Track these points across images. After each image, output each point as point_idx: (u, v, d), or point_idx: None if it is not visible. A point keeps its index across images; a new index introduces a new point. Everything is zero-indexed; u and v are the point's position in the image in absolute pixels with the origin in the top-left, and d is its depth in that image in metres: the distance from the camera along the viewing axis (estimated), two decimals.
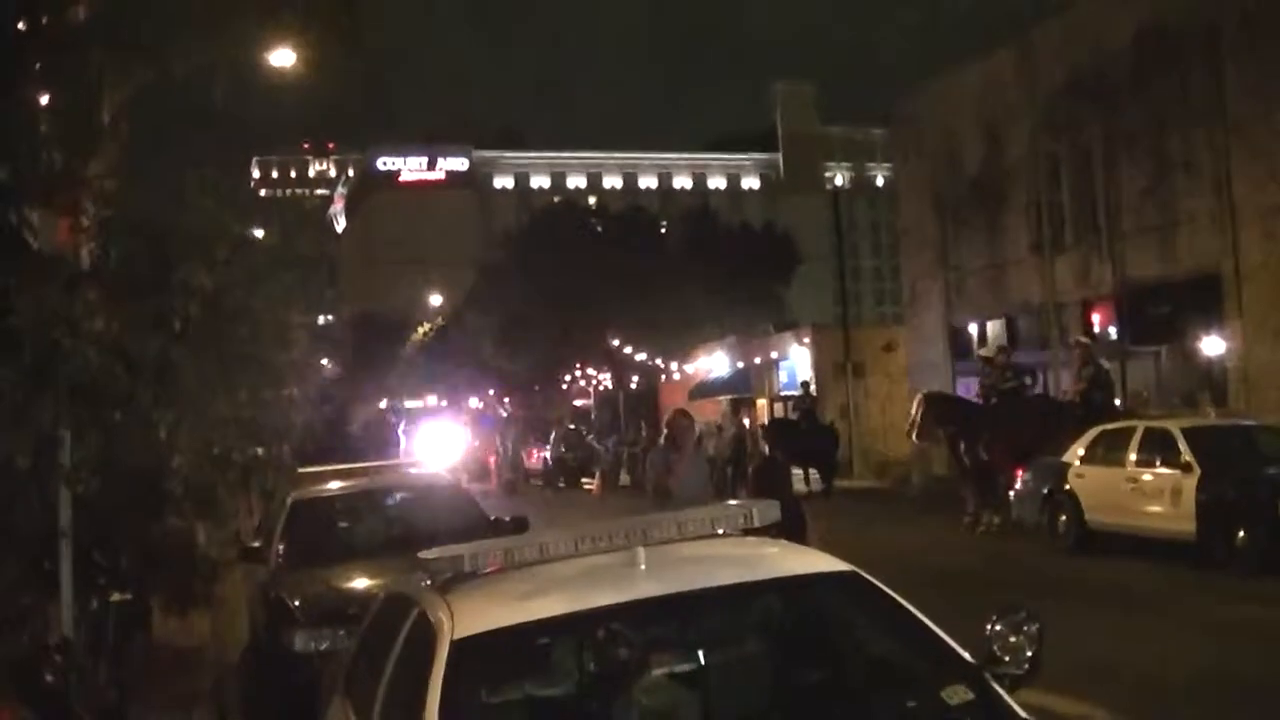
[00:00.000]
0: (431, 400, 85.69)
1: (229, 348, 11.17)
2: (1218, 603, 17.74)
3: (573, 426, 71.30)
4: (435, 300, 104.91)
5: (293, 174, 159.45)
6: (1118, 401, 31.70)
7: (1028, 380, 32.13)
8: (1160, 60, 34.60)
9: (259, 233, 12.61)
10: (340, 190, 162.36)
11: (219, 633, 16.82)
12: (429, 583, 6.67)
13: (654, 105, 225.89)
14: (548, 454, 64.34)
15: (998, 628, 6.00)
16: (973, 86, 43.66)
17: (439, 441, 62.31)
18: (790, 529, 9.66)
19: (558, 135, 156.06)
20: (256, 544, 16.03)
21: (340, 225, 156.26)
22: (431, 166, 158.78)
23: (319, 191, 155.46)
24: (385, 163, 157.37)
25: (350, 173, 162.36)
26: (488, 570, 6.43)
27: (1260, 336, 32.40)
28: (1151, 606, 17.95)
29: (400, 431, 63.80)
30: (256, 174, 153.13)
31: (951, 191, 45.04)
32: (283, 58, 14.33)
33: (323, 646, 12.15)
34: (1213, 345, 34.24)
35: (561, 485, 59.04)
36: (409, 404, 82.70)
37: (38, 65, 10.62)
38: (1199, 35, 33.46)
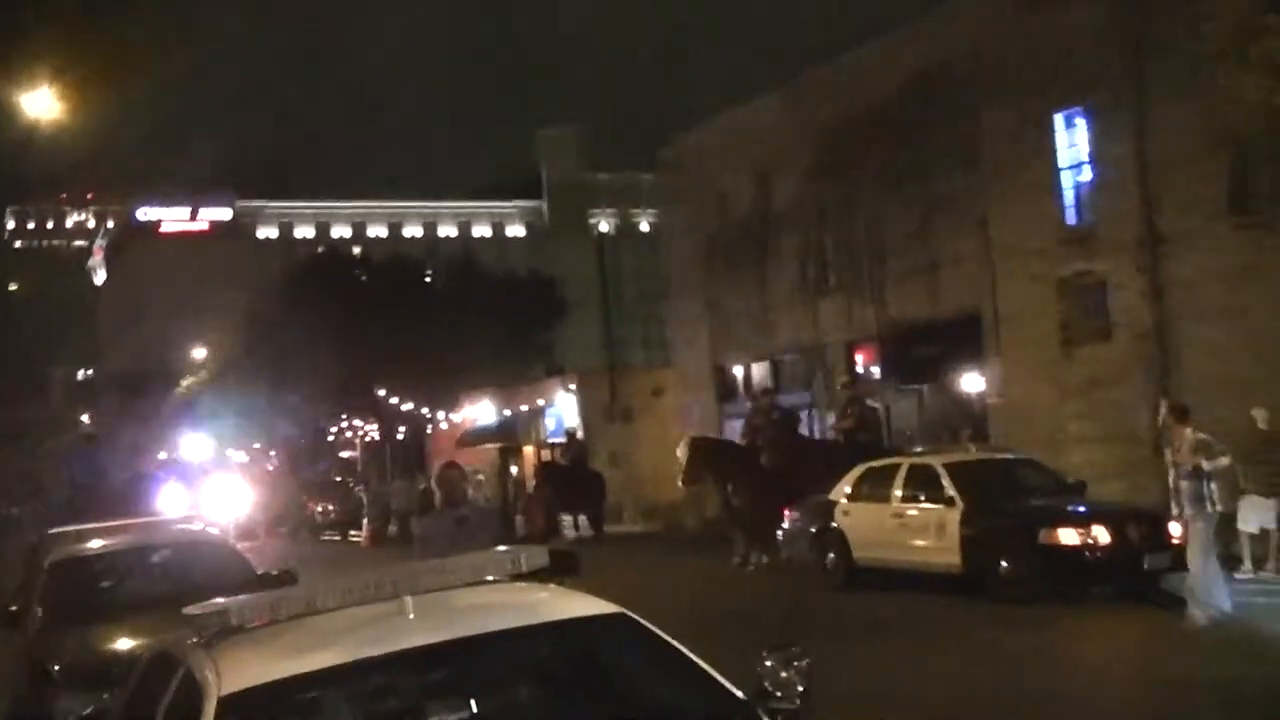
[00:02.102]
0: (212, 453, 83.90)
1: None
2: (987, 630, 18.07)
3: (340, 479, 70.60)
4: (199, 353, 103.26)
5: (50, 225, 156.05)
6: (886, 440, 32.26)
7: (795, 417, 32.53)
8: (923, 106, 35.33)
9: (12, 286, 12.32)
10: (100, 241, 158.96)
11: None
12: (194, 639, 6.51)
13: (419, 154, 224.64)
14: (321, 507, 63.71)
15: (768, 664, 6.03)
16: (740, 131, 44.12)
17: (221, 496, 61.12)
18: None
19: (323, 184, 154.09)
20: (14, 608, 15.58)
21: (100, 277, 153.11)
22: (194, 216, 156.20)
23: (78, 243, 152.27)
24: (146, 213, 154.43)
25: (110, 224, 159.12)
26: (255, 625, 6.31)
27: (1018, 375, 33.17)
28: (921, 638, 18.21)
29: (172, 485, 62.32)
30: (11, 224, 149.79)
31: (718, 235, 45.46)
32: (41, 104, 14.02)
33: (86, 711, 11.80)
34: (974, 383, 34.96)
35: (335, 538, 58.48)
36: (189, 457, 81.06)
37: None
38: (961, 84, 34.24)
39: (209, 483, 61.18)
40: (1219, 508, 18.50)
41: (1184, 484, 18.32)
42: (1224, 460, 18.81)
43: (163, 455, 75.89)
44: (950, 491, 22.06)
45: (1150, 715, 12.45)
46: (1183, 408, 19.11)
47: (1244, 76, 21.43)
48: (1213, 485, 18.32)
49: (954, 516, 21.75)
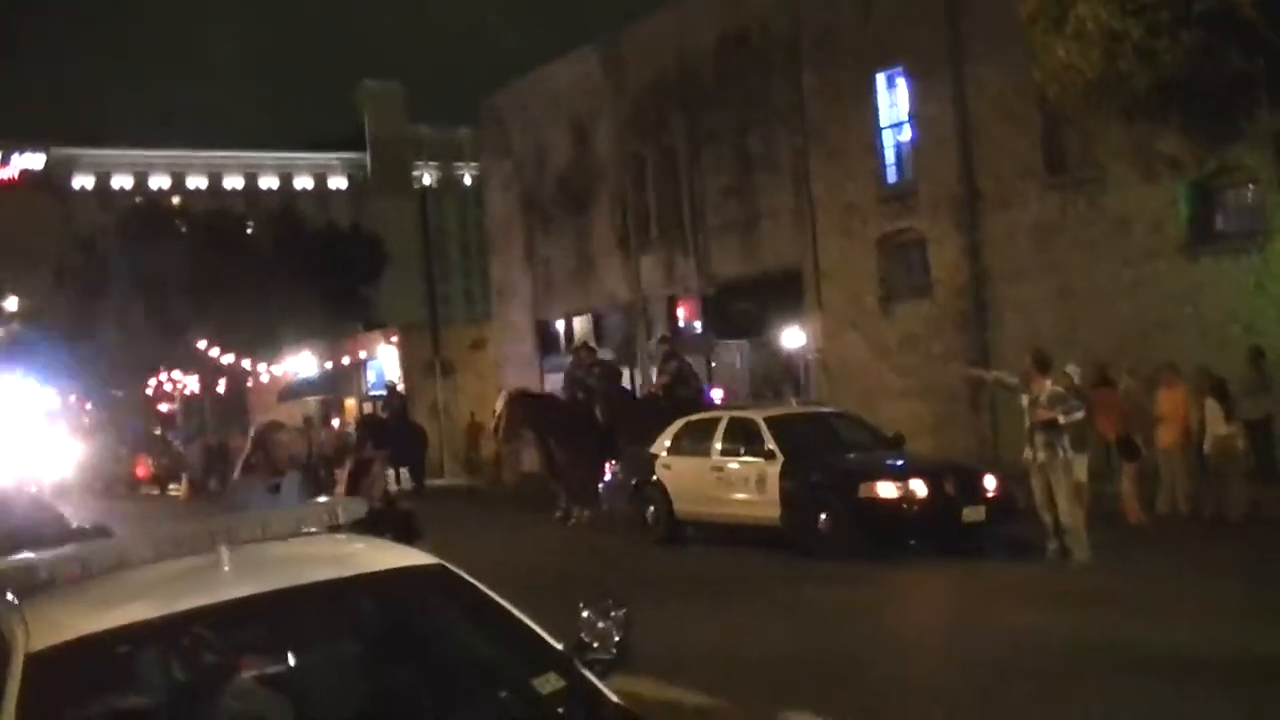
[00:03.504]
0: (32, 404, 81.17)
1: None
2: (804, 586, 18.23)
3: (158, 432, 69.65)
4: (10, 303, 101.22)
5: None
6: (717, 395, 32.45)
7: (616, 371, 32.58)
8: (742, 65, 35.58)
9: None
10: None
11: None
12: (2, 595, 6.37)
13: (241, 105, 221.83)
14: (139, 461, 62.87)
15: (585, 615, 6.04)
16: (560, 86, 44.11)
17: (41, 450, 59.57)
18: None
19: (142, 134, 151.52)
20: None
21: None
22: (4, 163, 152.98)
23: None
24: None
25: None
26: (66, 580, 6.18)
27: (839, 330, 33.55)
28: (740, 593, 18.35)
29: None
30: None
31: (538, 190, 45.44)
32: None
33: None
34: (795, 338, 35.24)
35: (154, 492, 57.73)
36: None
37: None
38: (780, 43, 34.51)
39: (40, 434, 59.93)
40: (1070, 455, 18.81)
41: (1038, 435, 18.63)
42: (1078, 414, 19.11)
43: None
44: (770, 445, 22.18)
45: (967, 666, 12.64)
46: (1044, 359, 19.34)
47: (1055, 41, 21.76)
48: (1065, 436, 18.68)
49: (774, 470, 21.88)
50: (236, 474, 10.80)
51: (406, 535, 11.35)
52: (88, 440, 66.52)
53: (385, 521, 11.43)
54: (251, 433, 11.51)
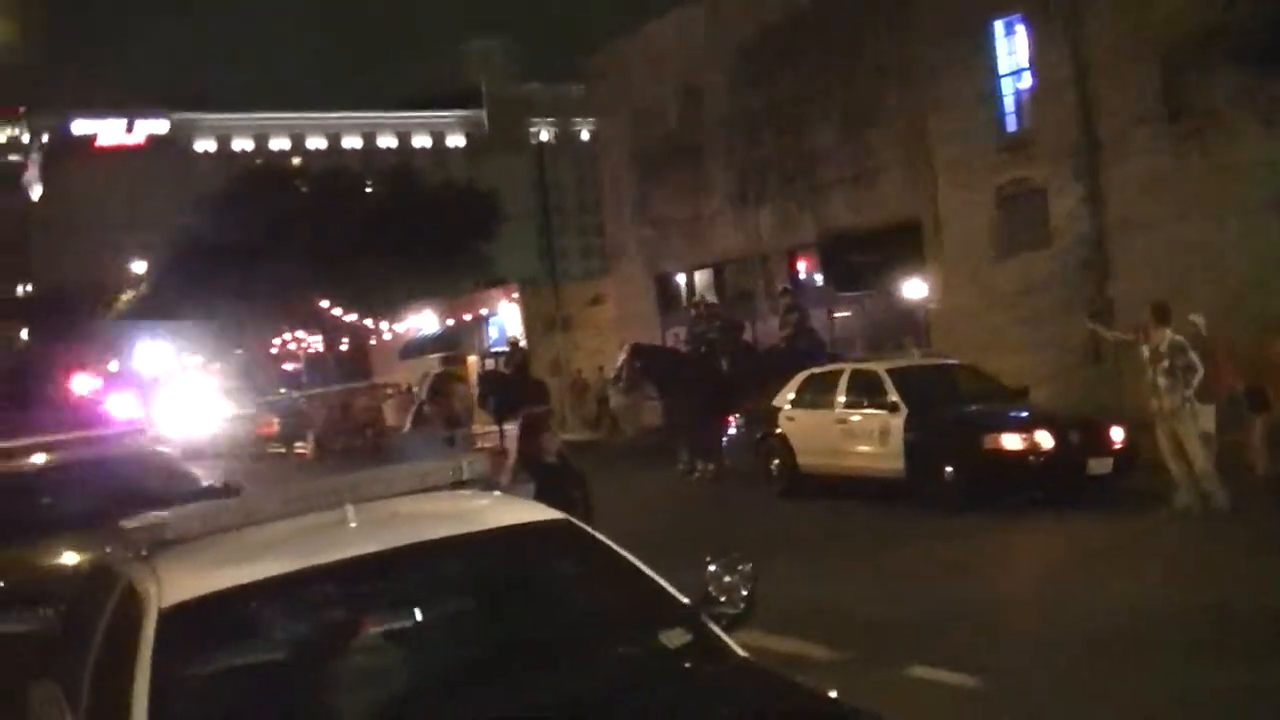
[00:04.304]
0: (168, 365, 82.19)
1: None
2: (928, 539, 18.13)
3: (283, 391, 70.41)
4: (139, 267, 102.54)
5: None
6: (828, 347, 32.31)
7: (737, 325, 32.54)
8: (853, 14, 35.26)
9: None
10: (34, 156, 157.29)
11: None
12: (134, 553, 6.45)
13: (357, 65, 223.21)
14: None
15: (712, 569, 6.03)
16: (668, 41, 43.94)
17: (179, 409, 60.31)
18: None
19: (260, 96, 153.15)
20: None
21: (35, 192, 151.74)
22: (130, 129, 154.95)
23: (12, 158, 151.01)
24: (82, 126, 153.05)
25: (45, 138, 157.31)
26: (196, 537, 6.26)
27: (958, 281, 33.25)
28: (863, 546, 18.29)
29: (123, 398, 60.98)
30: None
31: (651, 145, 45.33)
32: None
33: (23, 628, 11.71)
34: (915, 289, 34.99)
35: (280, 451, 58.35)
36: (142, 369, 79.61)
37: None
38: None
39: (166, 395, 60.68)
40: (1196, 404, 18.56)
41: (1162, 381, 18.41)
42: (1196, 366, 18.81)
43: (113, 367, 75.21)
44: (893, 397, 22.07)
45: (1091, 624, 12.50)
46: (1163, 310, 19.08)
47: None
48: (1190, 386, 18.43)
49: (897, 422, 21.78)
50: (408, 425, 10.58)
51: (584, 491, 11.24)
52: (214, 400, 67.24)
53: (566, 478, 11.22)
54: (427, 383, 11.12)
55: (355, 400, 57.82)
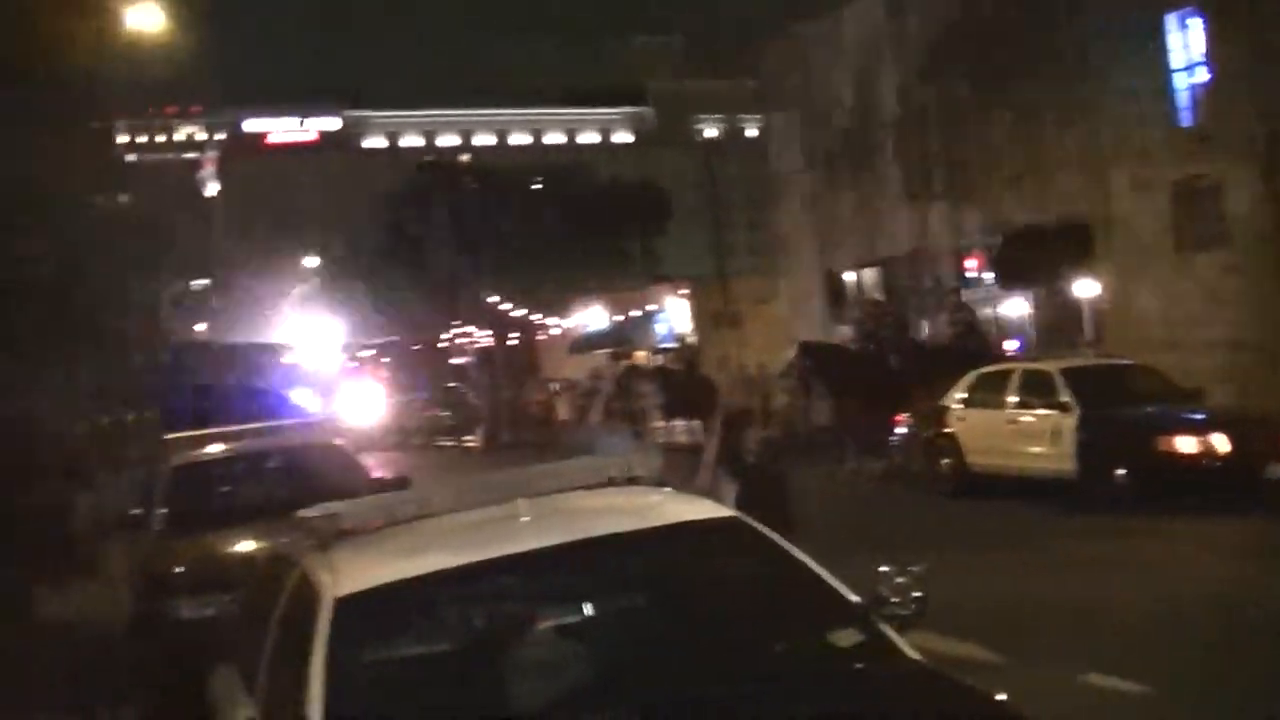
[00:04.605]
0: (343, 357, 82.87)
1: (71, 315, 10.91)
2: (1100, 541, 17.87)
3: (452, 385, 71.00)
4: (311, 262, 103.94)
5: (160, 138, 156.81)
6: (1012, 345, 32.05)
7: (905, 322, 32.41)
8: (1028, 8, 34.88)
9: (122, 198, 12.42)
10: (209, 153, 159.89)
11: (103, 604, 16.53)
12: (310, 543, 6.56)
13: (525, 63, 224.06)
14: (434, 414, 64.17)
15: (884, 569, 6.01)
16: (843, 35, 43.81)
17: (357, 400, 60.96)
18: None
19: (429, 93, 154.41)
20: (137, 511, 15.71)
21: (210, 189, 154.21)
22: (302, 126, 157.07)
23: (187, 155, 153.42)
24: (254, 124, 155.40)
25: (219, 135, 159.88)
26: (370, 528, 6.35)
27: (1131, 279, 32.78)
28: (1033, 547, 18.08)
29: (301, 390, 61.22)
30: (124, 138, 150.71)
31: (822, 141, 45.23)
32: (146, 17, 14.03)
33: (206, 613, 11.94)
34: (1086, 288, 34.58)
35: (449, 444, 58.79)
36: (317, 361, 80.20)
37: None
38: None
39: (344, 386, 61.33)
40: None
41: None
42: None
43: (290, 359, 76.01)
44: (1065, 397, 21.82)
45: (1267, 628, 12.25)
46: None
47: None
48: None
49: (1069, 422, 21.53)
50: (596, 417, 10.35)
51: (784, 495, 10.91)
52: (386, 393, 67.92)
53: (767, 479, 10.74)
54: (613, 378, 10.70)
55: (527, 394, 58.22)
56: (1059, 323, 36.22)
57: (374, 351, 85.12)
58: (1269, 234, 29.46)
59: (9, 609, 12.78)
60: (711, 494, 9.77)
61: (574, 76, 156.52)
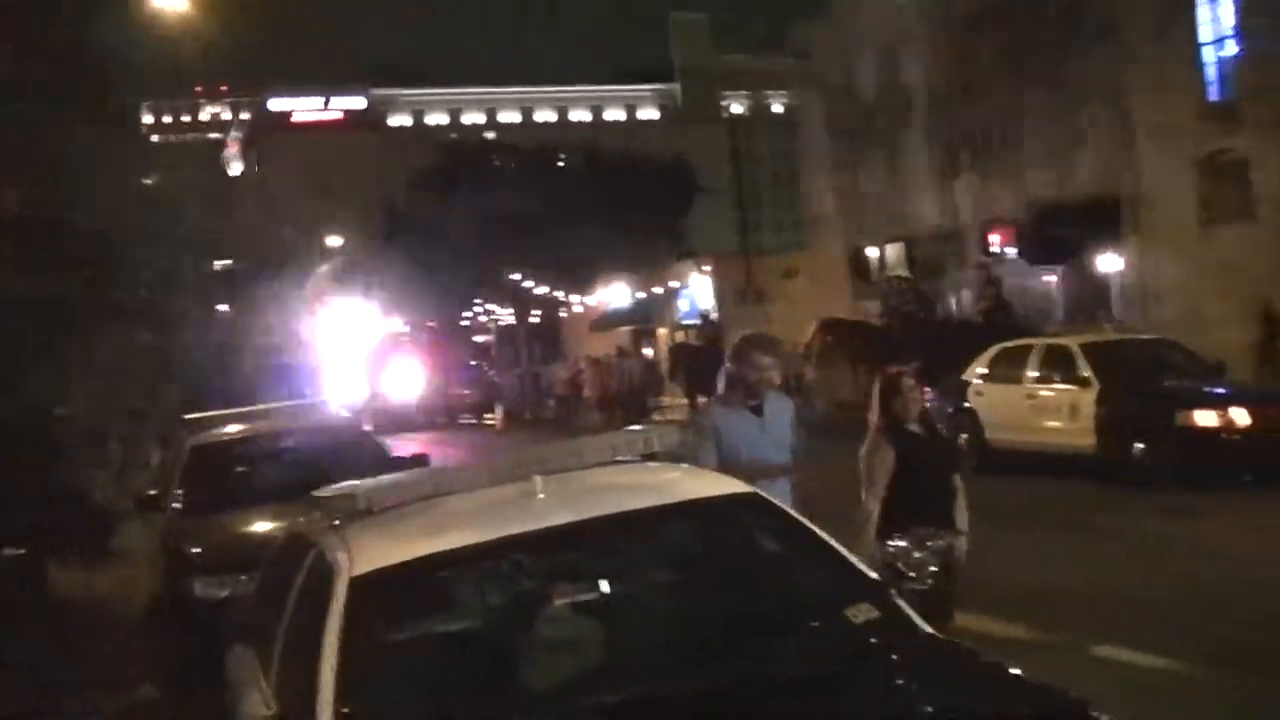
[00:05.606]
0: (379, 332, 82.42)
1: (119, 291, 10.94)
2: (1119, 516, 17.78)
3: (474, 363, 71.06)
4: (335, 242, 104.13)
5: (185, 119, 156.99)
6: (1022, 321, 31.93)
7: (930, 298, 32.36)
8: None
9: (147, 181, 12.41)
10: (234, 134, 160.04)
11: (121, 584, 16.56)
12: (327, 522, 6.54)
13: (548, 38, 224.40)
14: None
15: (902, 544, 5.99)
16: (873, 13, 43.72)
17: (397, 376, 60.93)
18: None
19: (453, 72, 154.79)
20: (154, 492, 15.72)
21: (235, 168, 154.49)
22: (327, 106, 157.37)
23: (212, 135, 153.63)
24: (279, 104, 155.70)
25: (244, 115, 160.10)
26: (386, 507, 6.32)
27: (1156, 254, 32.72)
28: (1053, 522, 18.01)
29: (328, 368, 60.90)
30: (150, 119, 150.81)
31: (851, 118, 45.18)
32: None
33: (224, 593, 11.91)
34: (1111, 263, 34.49)
35: (471, 421, 58.84)
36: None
37: None
38: None
39: (365, 365, 61.21)
40: None
41: None
42: None
43: (314, 338, 76.05)
44: (1085, 372, 21.71)
45: None
46: None
47: None
48: None
49: (1089, 398, 21.44)
50: (721, 390, 9.62)
51: (954, 463, 10.38)
52: (424, 372, 67.92)
53: (935, 449, 9.94)
54: (733, 345, 9.68)
55: (551, 372, 58.20)
56: (1085, 297, 36.14)
57: (396, 329, 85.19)
58: None
59: (29, 589, 12.81)
60: (868, 458, 9.53)
61: (605, 52, 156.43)
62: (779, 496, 8.25)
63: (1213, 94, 32.00)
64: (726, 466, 8.39)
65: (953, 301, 38.16)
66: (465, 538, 5.89)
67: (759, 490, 6.64)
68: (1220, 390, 21.14)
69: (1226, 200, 31.50)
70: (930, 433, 9.84)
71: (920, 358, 28.46)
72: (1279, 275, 29.27)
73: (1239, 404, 19.93)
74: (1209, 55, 31.93)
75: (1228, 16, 31.40)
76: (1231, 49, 31.36)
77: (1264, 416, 19.62)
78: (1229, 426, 19.56)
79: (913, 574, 5.87)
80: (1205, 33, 31.91)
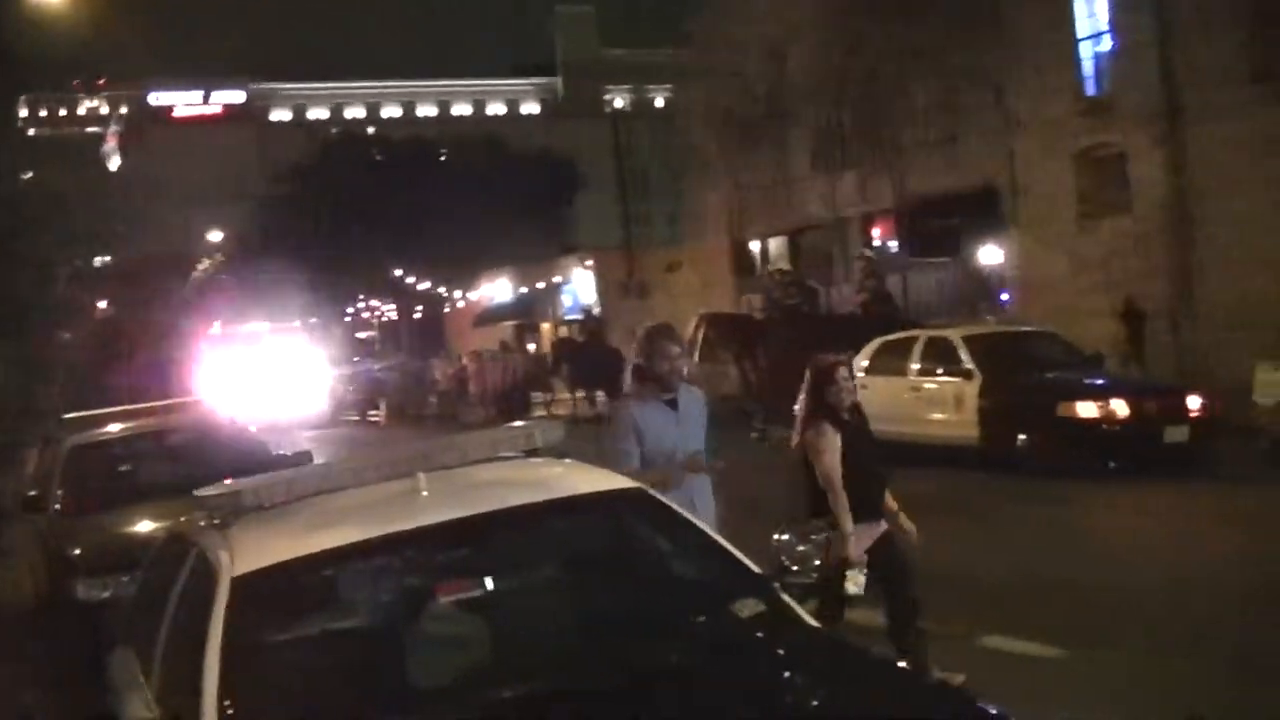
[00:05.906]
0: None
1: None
2: (1003, 506, 18.01)
3: (357, 359, 70.70)
4: (215, 236, 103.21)
5: (63, 113, 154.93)
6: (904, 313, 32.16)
7: (813, 291, 32.45)
8: None
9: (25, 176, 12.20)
10: (113, 128, 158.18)
11: (3, 587, 16.35)
12: (207, 521, 6.47)
13: (430, 32, 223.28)
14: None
15: (786, 538, 6.00)
16: (758, 5, 43.77)
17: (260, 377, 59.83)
18: None
19: (336, 66, 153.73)
20: (34, 492, 15.53)
21: (114, 163, 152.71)
22: (206, 100, 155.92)
23: (91, 130, 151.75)
24: (159, 98, 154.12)
25: (123, 110, 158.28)
26: (268, 505, 6.26)
27: (1036, 247, 33.04)
28: (937, 513, 18.00)
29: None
30: (25, 112, 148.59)
31: (736, 111, 45.24)
32: None
33: (105, 594, 11.78)
34: (992, 255, 34.80)
35: (353, 418, 58.46)
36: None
37: None
38: None
39: (242, 363, 60.28)
40: None
41: None
42: None
43: (195, 334, 75.17)
44: (968, 364, 21.93)
45: (1163, 588, 12.37)
46: None
47: None
48: None
49: (972, 389, 21.65)
50: (627, 385, 9.37)
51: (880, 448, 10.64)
52: (289, 367, 67.43)
53: (867, 438, 10.33)
54: (639, 337, 9.12)
55: (433, 368, 57.91)
56: (966, 290, 36.43)
57: (278, 326, 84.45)
58: (1170, 201, 29.73)
59: None
60: (815, 441, 9.54)
61: (485, 44, 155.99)
62: (701, 491, 8.32)
63: (1089, 88, 32.35)
64: (650, 463, 8.40)
65: (835, 294, 38.33)
66: (348, 535, 5.85)
67: (682, 488, 6.64)
68: (1100, 382, 21.46)
69: (1104, 194, 31.85)
70: (861, 422, 9.98)
71: (800, 351, 28.74)
72: (1153, 269, 29.66)
73: (1118, 395, 20.23)
74: (1086, 50, 32.27)
75: (1104, 11, 31.75)
76: (1108, 44, 31.72)
77: (1140, 408, 19.90)
78: (1109, 417, 19.82)
79: (795, 567, 5.86)
80: (1083, 27, 32.25)
